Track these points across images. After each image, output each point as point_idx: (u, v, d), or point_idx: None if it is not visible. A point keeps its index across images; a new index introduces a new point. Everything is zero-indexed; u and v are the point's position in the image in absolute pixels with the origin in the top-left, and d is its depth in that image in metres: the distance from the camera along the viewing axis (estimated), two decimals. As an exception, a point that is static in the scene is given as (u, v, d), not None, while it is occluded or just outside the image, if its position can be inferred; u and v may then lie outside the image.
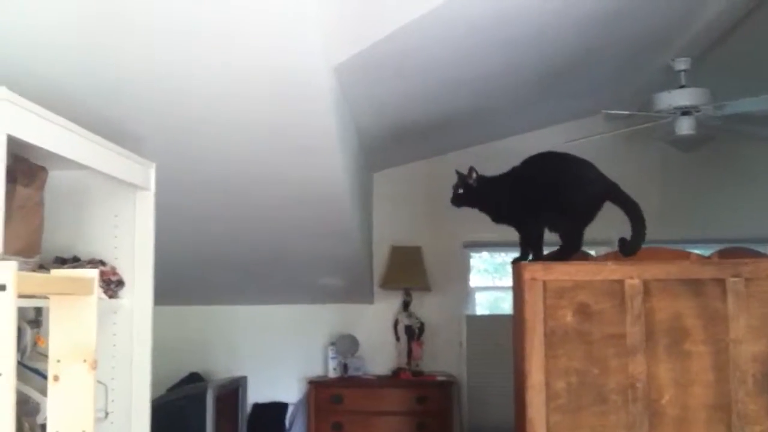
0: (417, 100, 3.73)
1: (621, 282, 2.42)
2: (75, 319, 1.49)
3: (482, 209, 2.87)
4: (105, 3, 2.02)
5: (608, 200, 2.67)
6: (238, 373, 5.03)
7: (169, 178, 2.42)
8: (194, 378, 5.08)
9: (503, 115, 4.79)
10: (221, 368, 5.30)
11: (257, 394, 5.23)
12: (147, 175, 2.33)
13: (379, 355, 5.35)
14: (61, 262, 2.14)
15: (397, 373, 5.21)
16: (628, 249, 2.54)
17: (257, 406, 5.28)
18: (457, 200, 2.88)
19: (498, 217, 2.86)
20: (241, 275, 4.75)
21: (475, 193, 2.84)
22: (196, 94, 2.55)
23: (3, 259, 1.40)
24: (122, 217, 2.31)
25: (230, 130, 2.85)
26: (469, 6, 2.66)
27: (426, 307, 5.37)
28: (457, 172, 2.89)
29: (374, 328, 5.38)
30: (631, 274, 2.42)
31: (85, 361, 1.49)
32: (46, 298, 1.54)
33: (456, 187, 2.88)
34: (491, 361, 5.14)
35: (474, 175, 2.86)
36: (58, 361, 1.48)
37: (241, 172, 3.20)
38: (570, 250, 2.60)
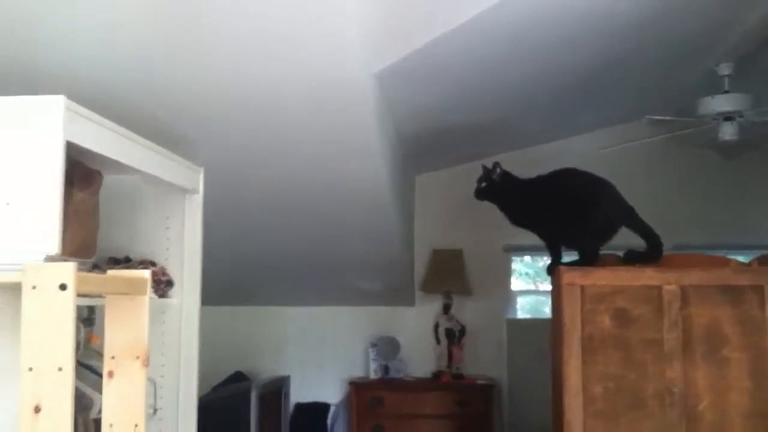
0: (457, 105, 3.77)
1: (659, 288, 2.44)
2: (129, 318, 1.57)
3: (501, 208, 2.90)
4: (159, 16, 2.11)
5: (624, 226, 2.69)
6: (280, 373, 5.12)
7: (217, 182, 2.50)
8: (239, 377, 5.18)
9: (544, 119, 4.80)
10: (264, 368, 5.39)
11: (299, 394, 5.31)
12: (196, 179, 2.41)
13: (420, 357, 5.40)
14: (114, 262, 2.23)
15: (437, 375, 5.25)
16: (633, 260, 2.58)
17: (299, 406, 5.36)
18: (479, 194, 2.93)
19: (513, 219, 2.89)
20: (285, 277, 4.84)
21: (498, 189, 2.88)
22: (243, 101, 2.64)
23: (62, 260, 1.48)
24: (173, 219, 2.40)
25: (276, 135, 2.94)
26: (509, 13, 2.70)
27: (467, 311, 5.40)
28: (483, 167, 2.94)
29: (415, 331, 5.43)
30: (669, 280, 2.44)
31: (138, 358, 1.57)
32: (101, 297, 1.62)
33: (480, 180, 2.94)
34: (531, 364, 5.13)
35: (498, 170, 2.91)
36: (113, 357, 1.57)
37: (287, 176, 3.28)
38: (584, 265, 2.64)
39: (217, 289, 3.97)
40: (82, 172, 1.98)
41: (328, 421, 5.35)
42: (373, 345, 5.33)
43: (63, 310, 1.29)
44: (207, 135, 2.79)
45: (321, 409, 5.41)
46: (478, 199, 2.93)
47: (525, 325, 5.53)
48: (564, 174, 2.82)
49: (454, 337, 5.30)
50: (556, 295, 2.57)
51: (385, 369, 5.28)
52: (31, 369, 1.29)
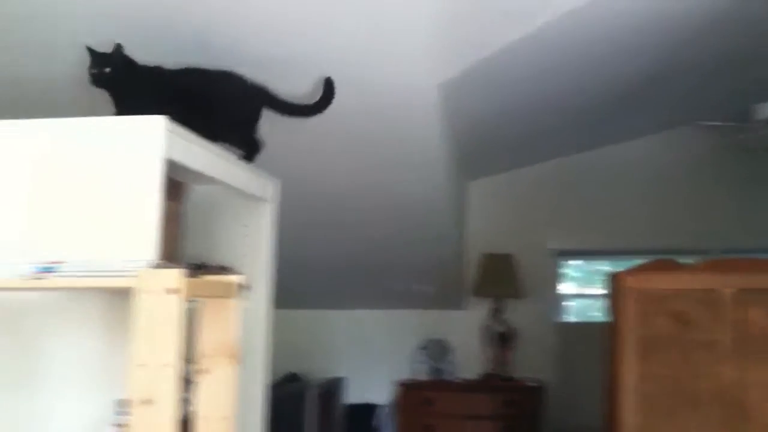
0: (513, 113, 3.85)
1: (715, 291, 2.50)
2: (221, 320, 1.71)
3: (120, 98, 2.25)
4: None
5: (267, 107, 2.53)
6: (332, 375, 5.24)
7: (282, 190, 2.63)
8: (293, 378, 5.31)
9: (596, 125, 4.86)
10: (317, 369, 5.51)
11: (351, 395, 5.43)
12: (271, 189, 2.55)
13: (470, 360, 5.48)
14: (195, 268, 2.36)
15: (487, 378, 5.33)
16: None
17: (350, 407, 5.47)
18: (99, 80, 2.20)
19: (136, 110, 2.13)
20: (338, 280, 4.96)
21: (122, 76, 2.22)
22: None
23: (167, 267, 1.61)
24: (250, 227, 2.53)
25: (339, 142, 3.06)
26: (566, 26, 2.78)
27: (517, 314, 5.46)
28: (93, 51, 2.20)
29: (465, 334, 5.51)
30: (726, 284, 2.50)
31: (229, 356, 1.71)
32: (193, 300, 1.76)
33: (99, 65, 2.19)
34: (580, 367, 5.21)
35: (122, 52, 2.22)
36: (207, 356, 1.70)
37: (346, 182, 3.41)
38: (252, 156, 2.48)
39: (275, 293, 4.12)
40: (170, 184, 2.12)
41: (378, 422, 5.45)
42: (423, 347, 5.43)
43: (171, 312, 1.42)
44: (273, 143, 2.92)
45: (371, 409, 5.52)
46: (96, 86, 2.23)
47: (574, 329, 5.59)
48: (190, 70, 2.40)
49: (503, 340, 5.37)
50: (615, 297, 2.65)
51: (435, 371, 5.37)
52: (141, 365, 1.42)
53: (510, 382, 5.25)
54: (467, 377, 5.43)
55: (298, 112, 2.59)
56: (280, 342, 5.47)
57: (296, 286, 4.96)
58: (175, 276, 1.42)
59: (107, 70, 2.18)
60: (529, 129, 4.31)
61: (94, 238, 1.73)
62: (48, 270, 1.55)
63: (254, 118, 2.52)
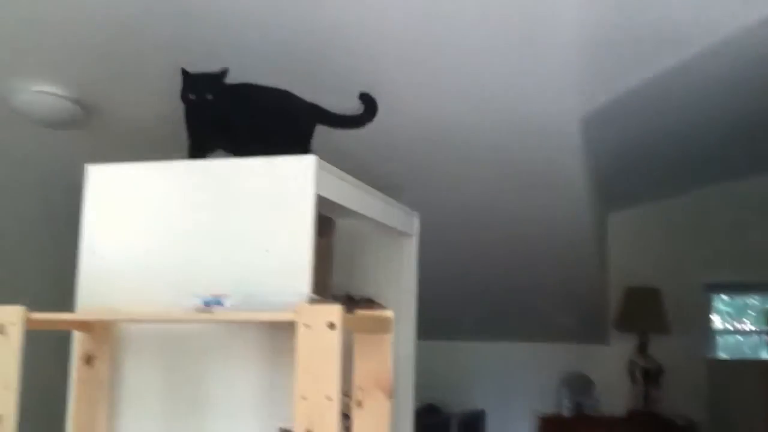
0: (658, 142, 3.75)
1: None
2: (375, 353, 1.73)
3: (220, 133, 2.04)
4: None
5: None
6: (470, 407, 5.20)
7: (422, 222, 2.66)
8: (431, 409, 5.30)
9: (748, 151, 4.63)
10: (455, 402, 5.48)
11: (490, 427, 5.36)
12: (412, 222, 2.58)
13: (614, 396, 5.30)
14: (345, 301, 2.42)
15: (632, 414, 5.13)
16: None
17: (490, 440, 5.41)
18: (202, 110, 1.97)
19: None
20: (477, 312, 4.94)
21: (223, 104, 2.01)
22: (453, 146, 2.79)
23: (319, 301, 1.66)
24: (391, 260, 2.57)
25: (483, 174, 3.07)
26: (712, 59, 2.68)
27: (664, 350, 5.24)
28: (187, 73, 1.97)
29: (609, 369, 5.34)
30: None
31: (383, 390, 1.73)
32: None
33: (199, 90, 1.95)
34: (734, 406, 4.92)
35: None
36: (361, 389, 1.73)
37: (489, 216, 3.40)
38: None
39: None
40: (319, 220, 2.19)
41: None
42: (566, 382, 5.29)
43: (331, 345, 1.46)
44: (421, 182, 2.97)
45: (511, 444, 5.43)
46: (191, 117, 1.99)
47: (728, 366, 5.29)
48: (248, 86, 2.15)
49: (650, 376, 5.16)
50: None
51: (577, 406, 5.23)
52: (304, 397, 1.46)
53: (658, 420, 5.02)
54: (612, 414, 5.25)
55: (350, 123, 2.37)
56: (420, 373, 5.52)
57: (436, 318, 4.97)
58: (334, 311, 1.46)
59: (209, 96, 1.94)
60: (675, 158, 4.16)
61: (251, 273, 1.81)
62: (212, 303, 1.63)
63: (310, 133, 2.26)
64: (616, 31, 2.33)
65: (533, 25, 2.17)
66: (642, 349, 5.22)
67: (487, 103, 2.56)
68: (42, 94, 2.58)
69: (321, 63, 2.40)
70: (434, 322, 5.05)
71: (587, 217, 3.56)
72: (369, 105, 2.35)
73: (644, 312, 5.17)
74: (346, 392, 1.70)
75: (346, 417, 1.76)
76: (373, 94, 2.44)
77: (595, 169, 3.74)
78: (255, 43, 2.30)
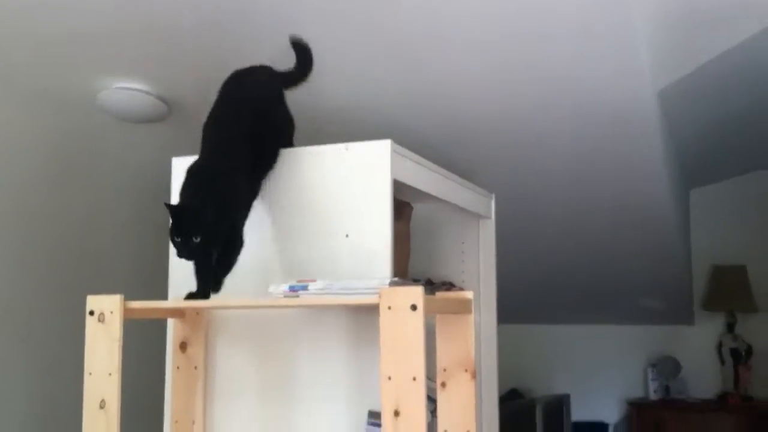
0: (739, 116, 3.63)
1: None
2: (457, 334, 1.74)
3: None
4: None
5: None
6: (554, 392, 5.15)
7: (503, 206, 2.65)
8: (515, 394, 5.28)
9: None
10: (538, 386, 5.45)
11: (575, 412, 5.30)
12: (488, 205, 2.58)
13: (703, 378, 5.17)
14: (425, 284, 2.44)
15: (723, 398, 4.99)
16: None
17: (576, 425, 5.35)
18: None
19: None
20: (560, 295, 4.89)
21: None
22: (530, 129, 2.77)
23: (402, 284, 1.68)
24: (468, 243, 2.58)
25: (560, 158, 3.04)
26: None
27: (753, 329, 5.08)
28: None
29: (696, 350, 5.21)
30: None
31: (466, 370, 1.74)
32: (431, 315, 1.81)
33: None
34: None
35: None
36: (445, 370, 1.75)
37: (570, 197, 3.37)
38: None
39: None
40: (395, 205, 2.21)
41: (607, 441, 5.29)
42: (653, 365, 5.19)
43: (414, 327, 1.47)
44: (494, 161, 2.97)
45: (598, 428, 5.36)
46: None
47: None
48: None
49: (740, 357, 5.01)
50: None
51: (666, 389, 5.12)
52: (390, 378, 1.49)
53: (751, 403, 4.87)
54: (701, 397, 5.13)
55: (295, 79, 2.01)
56: (502, 357, 5.51)
57: (519, 301, 4.96)
58: (416, 293, 1.47)
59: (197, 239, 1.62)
60: (759, 132, 4.02)
61: (333, 259, 1.85)
62: (298, 289, 1.67)
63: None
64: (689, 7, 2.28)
65: (608, 5, 2.14)
66: (730, 329, 5.07)
67: (559, 83, 2.53)
68: (126, 90, 2.69)
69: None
70: (517, 305, 5.06)
71: (668, 193, 3.48)
72: (301, 55, 1.99)
73: (731, 291, 5.03)
74: (430, 376, 1.72)
75: (431, 400, 1.78)
76: (448, 82, 2.45)
77: (675, 144, 3.65)
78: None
